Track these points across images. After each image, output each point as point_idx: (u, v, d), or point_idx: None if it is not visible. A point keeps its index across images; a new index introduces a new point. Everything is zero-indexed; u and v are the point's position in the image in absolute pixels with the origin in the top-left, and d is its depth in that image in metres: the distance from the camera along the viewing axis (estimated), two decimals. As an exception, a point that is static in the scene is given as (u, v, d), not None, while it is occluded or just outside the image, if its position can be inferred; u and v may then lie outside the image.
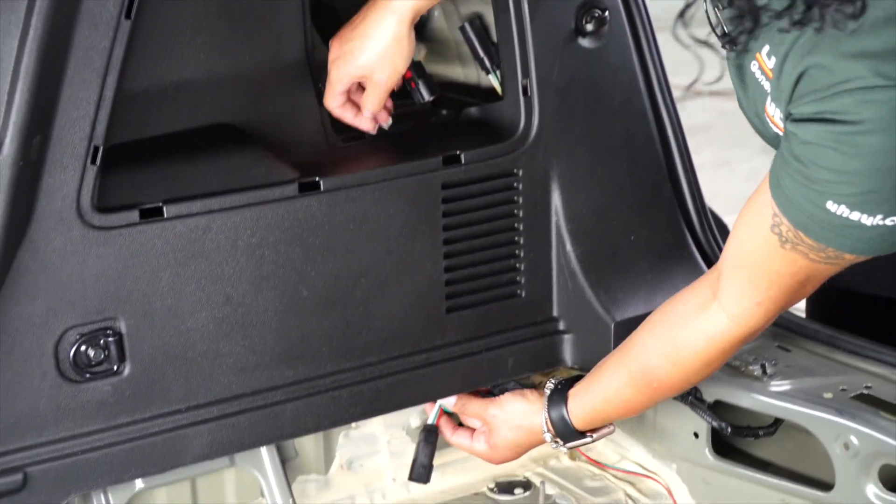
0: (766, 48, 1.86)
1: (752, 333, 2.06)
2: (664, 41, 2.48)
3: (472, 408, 2.35)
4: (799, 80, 1.78)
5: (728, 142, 7.01)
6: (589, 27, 2.35)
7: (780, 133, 1.87)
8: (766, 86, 1.87)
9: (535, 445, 2.35)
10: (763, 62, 1.87)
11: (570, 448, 2.34)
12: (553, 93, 2.34)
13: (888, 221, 1.76)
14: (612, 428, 2.30)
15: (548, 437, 2.28)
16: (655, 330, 2.15)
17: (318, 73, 2.23)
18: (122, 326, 2.05)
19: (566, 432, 2.27)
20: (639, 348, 2.17)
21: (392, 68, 2.18)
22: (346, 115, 2.24)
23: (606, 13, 2.36)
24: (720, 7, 1.89)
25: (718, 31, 1.90)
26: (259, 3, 2.14)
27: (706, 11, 1.90)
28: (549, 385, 2.29)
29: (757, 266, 1.96)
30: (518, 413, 2.30)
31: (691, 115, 7.29)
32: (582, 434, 2.27)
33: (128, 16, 1.95)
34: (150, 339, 2.07)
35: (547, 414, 2.27)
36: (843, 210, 1.76)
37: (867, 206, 1.75)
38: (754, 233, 1.93)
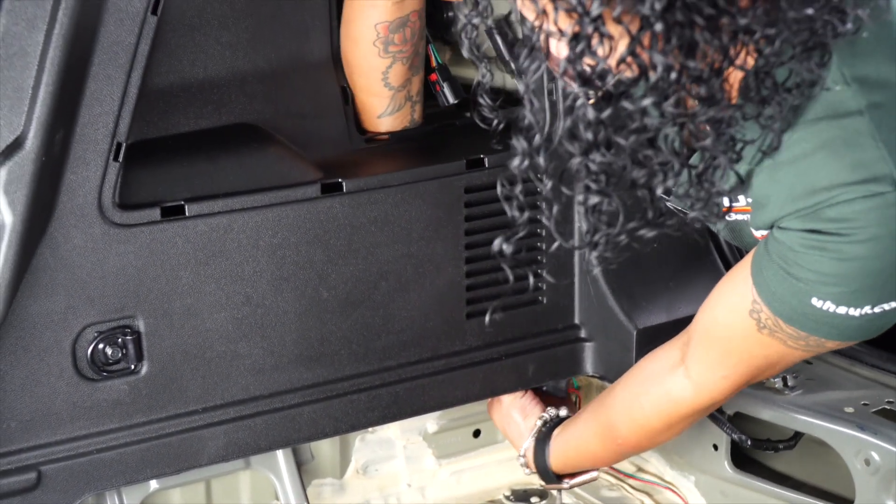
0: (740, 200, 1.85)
1: (714, 403, 2.05)
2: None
3: None
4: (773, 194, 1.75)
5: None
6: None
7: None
8: (747, 218, 1.85)
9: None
10: (739, 207, 1.85)
11: (545, 488, 2.41)
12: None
13: (877, 309, 1.73)
14: (594, 475, 2.34)
15: (521, 461, 2.35)
16: (627, 386, 2.16)
17: (342, 73, 2.21)
18: (141, 325, 2.04)
19: (543, 468, 2.31)
20: (608, 402, 2.19)
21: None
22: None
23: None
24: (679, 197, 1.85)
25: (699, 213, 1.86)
26: (285, 1, 2.12)
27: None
28: (544, 417, 2.34)
29: (729, 344, 1.93)
30: (511, 424, 2.36)
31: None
32: (559, 478, 2.33)
33: (154, 12, 1.93)
34: (168, 338, 2.06)
35: (532, 443, 2.32)
36: (828, 305, 1.74)
37: (854, 300, 1.73)
38: (731, 312, 1.89)
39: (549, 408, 2.35)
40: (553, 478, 2.32)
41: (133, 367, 2.05)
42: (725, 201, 1.83)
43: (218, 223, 2.06)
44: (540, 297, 2.36)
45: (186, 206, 2.03)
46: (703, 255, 2.46)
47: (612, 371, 2.34)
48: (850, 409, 2.22)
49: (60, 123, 1.88)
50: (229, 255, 2.07)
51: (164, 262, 2.03)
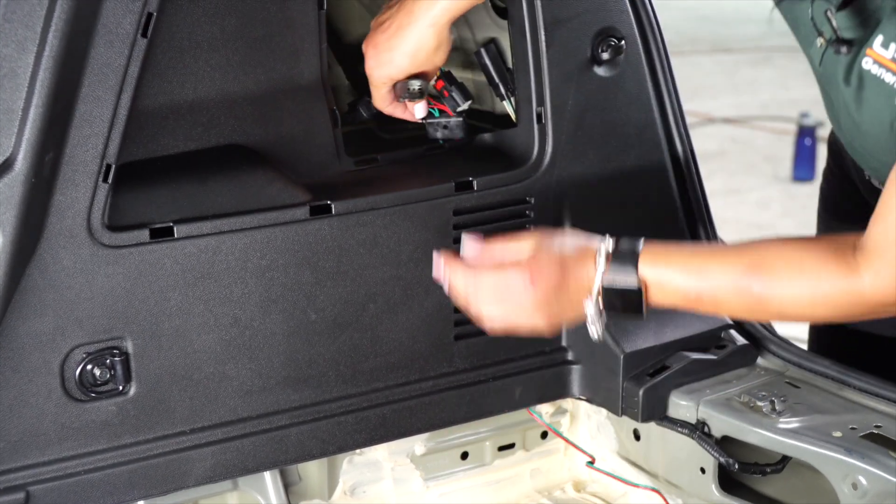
0: (880, 39, 1.78)
1: (879, 310, 1.90)
2: (679, 66, 2.47)
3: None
4: None
5: (739, 169, 7.02)
6: (605, 56, 2.34)
7: None
8: (890, 79, 1.78)
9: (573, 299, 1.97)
10: (879, 55, 1.77)
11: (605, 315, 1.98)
12: (567, 121, 2.33)
13: None
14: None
15: (600, 269, 1.95)
16: (787, 281, 1.92)
17: (332, 96, 2.21)
18: (129, 346, 2.04)
19: (624, 274, 1.94)
20: (762, 255, 1.95)
21: (433, 68, 2.21)
22: (398, 111, 2.27)
23: (622, 42, 2.35)
24: (832, 11, 1.84)
25: (828, 35, 1.83)
26: (275, 23, 2.12)
27: (812, 18, 1.82)
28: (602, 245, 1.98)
29: None
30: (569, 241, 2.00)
31: (704, 141, 7.32)
32: (638, 295, 1.95)
33: (144, 34, 1.94)
34: (156, 359, 2.06)
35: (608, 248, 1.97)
36: None
37: None
38: None
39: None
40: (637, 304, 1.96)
41: (121, 388, 2.05)
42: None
43: (207, 245, 2.06)
44: (528, 320, 2.36)
45: (175, 228, 2.04)
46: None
47: (599, 394, 2.34)
48: (837, 433, 2.23)
49: (50, 145, 1.88)
50: (218, 276, 2.08)
51: (152, 283, 2.03)
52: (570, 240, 2.00)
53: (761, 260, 1.94)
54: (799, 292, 1.92)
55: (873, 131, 1.92)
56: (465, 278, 1.96)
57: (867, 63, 1.84)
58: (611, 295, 1.96)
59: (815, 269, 1.91)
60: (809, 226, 2.69)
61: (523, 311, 1.95)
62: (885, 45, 1.80)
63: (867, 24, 1.85)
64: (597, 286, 1.96)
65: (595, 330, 1.97)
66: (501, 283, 1.95)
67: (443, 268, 1.99)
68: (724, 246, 2.02)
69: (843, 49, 1.88)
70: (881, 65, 1.81)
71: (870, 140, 1.94)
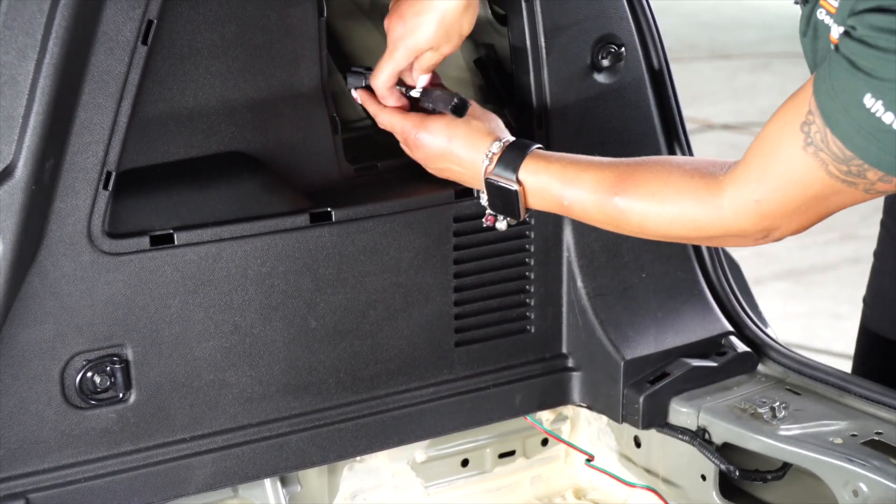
0: None
1: (733, 233, 1.95)
2: (678, 71, 2.47)
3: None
4: None
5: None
6: (605, 63, 2.35)
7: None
8: (829, 20, 1.83)
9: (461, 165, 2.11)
10: (828, 4, 1.84)
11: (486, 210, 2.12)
12: (567, 127, 2.33)
13: None
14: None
15: (484, 164, 2.07)
16: (654, 178, 2.00)
17: (332, 102, 2.21)
18: (129, 353, 2.04)
19: (508, 171, 2.06)
20: (628, 181, 2.01)
21: (459, 38, 2.11)
22: (391, 98, 2.15)
23: (622, 49, 2.35)
24: None
25: None
26: (275, 30, 2.12)
27: None
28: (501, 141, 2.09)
29: (772, 159, 1.87)
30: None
31: (703, 147, 7.32)
32: (515, 197, 2.06)
33: (144, 41, 1.95)
34: (156, 367, 2.06)
35: (499, 145, 2.08)
36: (878, 107, 1.71)
37: None
38: (782, 125, 1.85)
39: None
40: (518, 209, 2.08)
41: (121, 395, 2.05)
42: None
43: (207, 252, 2.06)
44: (528, 327, 2.37)
45: (175, 235, 2.04)
46: (692, 286, 2.47)
47: (600, 401, 2.34)
48: (838, 440, 2.23)
49: (50, 152, 1.88)
50: (218, 283, 2.08)
51: (152, 290, 2.03)
52: (473, 127, 2.11)
53: (631, 174, 2.01)
54: (659, 209, 1.98)
55: None
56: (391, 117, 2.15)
57: (821, 13, 1.88)
58: (492, 192, 2.08)
59: (678, 187, 1.97)
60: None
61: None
62: None
63: None
64: (481, 181, 2.09)
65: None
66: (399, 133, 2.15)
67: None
68: (604, 159, 2.07)
69: (800, 1, 1.94)
70: (826, 11, 1.86)
71: None
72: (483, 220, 2.14)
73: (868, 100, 1.73)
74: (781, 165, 1.87)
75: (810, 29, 1.92)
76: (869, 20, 1.72)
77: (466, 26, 2.10)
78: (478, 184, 2.10)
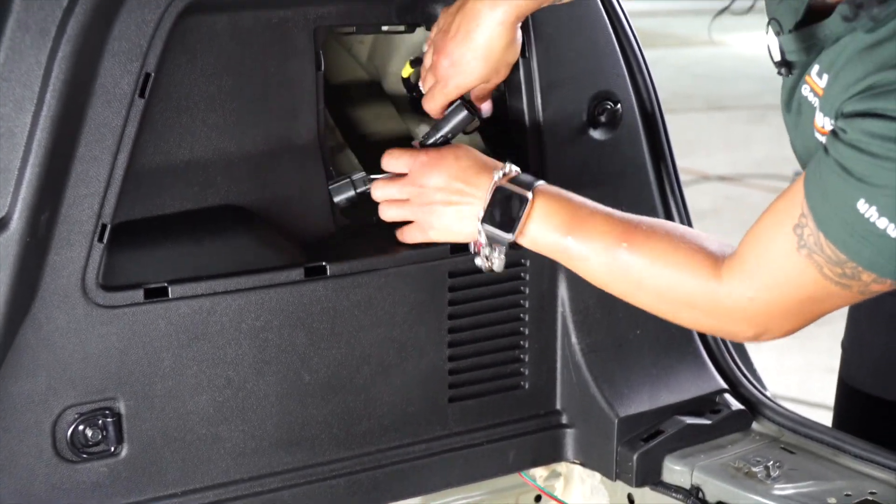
0: (817, 67, 1.84)
1: (724, 320, 1.97)
2: (673, 123, 2.48)
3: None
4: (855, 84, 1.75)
5: (734, 227, 7.01)
6: (601, 119, 2.35)
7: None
8: (815, 101, 1.85)
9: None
10: (813, 82, 1.85)
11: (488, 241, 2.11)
12: (563, 183, 2.33)
13: None
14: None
15: (496, 176, 2.09)
16: (668, 238, 2.02)
17: (328, 156, 2.22)
18: (122, 407, 2.03)
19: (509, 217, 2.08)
20: (645, 227, 2.04)
21: (506, 68, 2.16)
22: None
23: (619, 106, 2.35)
24: (783, 32, 1.89)
25: (777, 58, 1.89)
26: (272, 84, 2.13)
27: (767, 45, 1.90)
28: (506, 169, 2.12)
29: (765, 260, 1.88)
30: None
31: (698, 198, 7.33)
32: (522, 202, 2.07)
33: (142, 94, 1.95)
34: (148, 420, 2.05)
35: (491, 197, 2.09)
36: (871, 213, 1.72)
37: None
38: (775, 225, 1.86)
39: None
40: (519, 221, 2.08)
41: (113, 449, 2.04)
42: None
43: (201, 305, 2.06)
44: (522, 383, 2.36)
45: (170, 288, 2.03)
46: (686, 343, 2.46)
47: (594, 458, 2.33)
48: (832, 500, 2.22)
49: (46, 204, 1.88)
50: (212, 337, 2.07)
51: (146, 343, 2.03)
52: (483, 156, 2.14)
53: (642, 230, 2.02)
54: (661, 272, 1.99)
55: (804, 159, 1.96)
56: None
57: (805, 90, 1.90)
58: (497, 200, 2.08)
59: (686, 255, 1.98)
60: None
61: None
62: (819, 75, 1.86)
63: (811, 51, 1.90)
64: (486, 196, 2.08)
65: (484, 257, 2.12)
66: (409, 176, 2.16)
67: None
68: (616, 211, 2.08)
69: (783, 71, 1.95)
70: (812, 89, 1.87)
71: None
72: (471, 246, 2.13)
73: (861, 205, 1.73)
74: (774, 264, 1.88)
75: (794, 103, 1.93)
76: (861, 125, 1.73)
77: (511, 57, 2.13)
78: (479, 202, 2.09)
